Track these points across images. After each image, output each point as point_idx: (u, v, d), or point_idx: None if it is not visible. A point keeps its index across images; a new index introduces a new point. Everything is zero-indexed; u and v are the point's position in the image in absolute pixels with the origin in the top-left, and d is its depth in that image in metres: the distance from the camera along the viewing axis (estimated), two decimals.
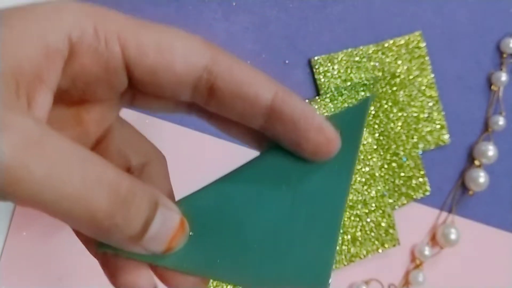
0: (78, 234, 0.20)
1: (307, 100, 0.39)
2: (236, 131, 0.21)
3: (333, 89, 0.39)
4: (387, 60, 0.41)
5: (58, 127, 0.19)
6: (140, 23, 0.19)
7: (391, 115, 0.41)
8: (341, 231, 0.39)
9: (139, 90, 0.19)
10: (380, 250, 0.39)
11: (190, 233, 0.19)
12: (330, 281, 0.19)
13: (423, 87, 0.42)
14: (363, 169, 0.39)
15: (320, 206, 0.20)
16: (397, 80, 0.41)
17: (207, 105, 0.20)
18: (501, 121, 0.42)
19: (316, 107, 0.39)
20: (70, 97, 0.19)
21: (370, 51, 0.40)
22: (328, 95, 0.39)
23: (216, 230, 0.20)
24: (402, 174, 0.40)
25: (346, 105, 0.39)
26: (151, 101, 0.21)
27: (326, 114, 0.39)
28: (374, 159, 0.40)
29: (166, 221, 0.18)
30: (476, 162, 0.42)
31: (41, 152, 0.15)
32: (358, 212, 0.39)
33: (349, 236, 0.39)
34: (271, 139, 0.20)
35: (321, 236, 0.20)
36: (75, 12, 0.18)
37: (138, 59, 0.18)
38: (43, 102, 0.17)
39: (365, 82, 0.40)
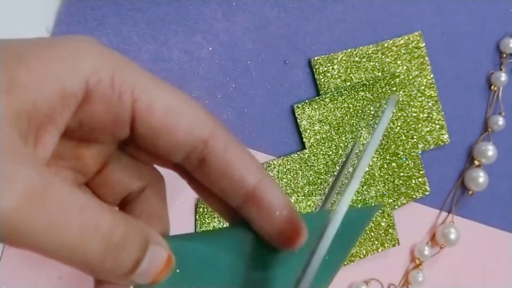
0: None
1: (307, 100, 0.39)
2: (213, 202, 0.22)
3: (333, 89, 0.39)
4: (387, 60, 0.41)
5: (59, 158, 0.20)
6: (154, 81, 0.19)
7: (391, 115, 0.41)
8: None
9: (136, 144, 0.20)
10: (380, 250, 0.39)
11: (177, 270, 0.20)
12: None
13: (423, 87, 0.42)
14: None
15: None
16: (397, 80, 0.41)
17: (193, 172, 0.21)
18: (500, 121, 0.42)
19: (316, 107, 0.39)
20: (73, 134, 0.19)
21: (370, 51, 0.40)
22: (328, 95, 0.39)
23: (198, 275, 0.21)
24: (402, 174, 0.40)
25: (346, 105, 0.39)
26: (141, 154, 0.22)
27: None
28: (374, 159, 0.40)
29: (155, 258, 0.19)
30: (476, 162, 0.42)
31: (43, 203, 0.15)
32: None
33: None
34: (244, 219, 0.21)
35: None
36: (95, 57, 0.18)
37: (145, 117, 0.19)
38: (50, 142, 0.18)
39: (365, 82, 0.40)
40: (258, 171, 0.20)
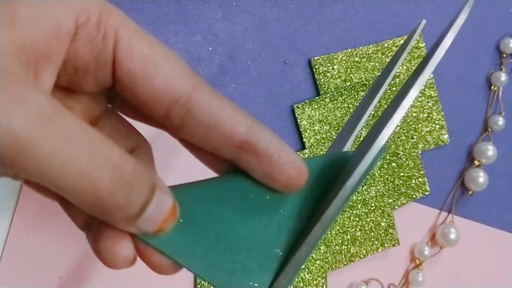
0: (66, 207, 0.21)
1: (307, 100, 0.39)
2: (207, 157, 0.22)
3: (333, 89, 0.39)
4: (387, 60, 0.41)
5: None
6: (139, 30, 0.19)
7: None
8: (341, 231, 0.39)
9: (117, 93, 0.20)
10: (380, 250, 0.39)
11: (180, 220, 0.20)
12: None
13: (423, 87, 0.42)
14: None
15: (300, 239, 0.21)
16: (397, 80, 0.41)
17: (177, 131, 0.20)
18: (500, 121, 0.43)
19: (316, 107, 0.39)
20: (60, 81, 0.20)
21: (370, 51, 0.40)
22: (328, 95, 0.39)
23: (202, 224, 0.21)
24: (402, 174, 0.40)
25: (346, 105, 0.39)
26: (127, 107, 0.22)
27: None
28: None
29: (161, 204, 0.19)
30: (476, 162, 0.42)
31: (52, 128, 0.15)
32: (358, 212, 0.39)
33: (349, 236, 0.39)
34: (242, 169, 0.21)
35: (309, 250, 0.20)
36: None
37: (124, 61, 0.19)
38: (48, 80, 0.18)
39: (365, 82, 0.40)
40: (247, 119, 0.20)
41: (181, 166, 0.35)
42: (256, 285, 0.20)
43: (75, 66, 0.19)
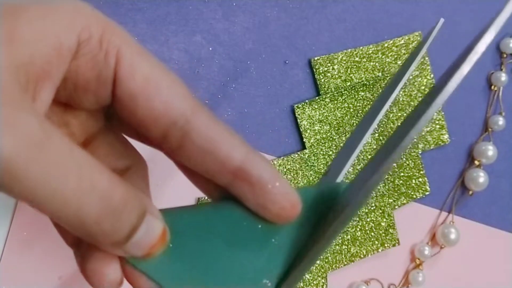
0: (55, 223, 0.21)
1: (307, 100, 0.39)
2: (201, 182, 0.22)
3: (333, 89, 0.39)
4: (387, 60, 0.41)
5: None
6: (141, 50, 0.19)
7: (391, 115, 0.41)
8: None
9: (117, 112, 0.20)
10: (380, 250, 0.39)
11: (170, 245, 0.20)
12: None
13: (423, 87, 0.42)
14: None
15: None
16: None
17: (173, 153, 0.20)
18: (501, 121, 0.42)
19: (316, 107, 0.39)
20: (59, 97, 0.19)
21: (370, 51, 0.40)
22: (328, 95, 0.39)
23: (192, 252, 0.20)
24: (402, 174, 0.40)
25: (346, 105, 0.39)
26: (125, 125, 0.22)
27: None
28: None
29: (150, 230, 0.19)
30: (476, 162, 0.42)
31: (41, 153, 0.15)
32: (358, 212, 0.39)
33: (349, 236, 0.39)
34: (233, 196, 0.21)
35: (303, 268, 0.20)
36: (88, 16, 0.18)
37: (126, 81, 0.19)
38: (46, 97, 0.18)
39: (365, 82, 0.40)
40: (243, 146, 0.20)
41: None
42: None
43: (75, 83, 0.19)
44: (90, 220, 0.16)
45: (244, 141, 0.20)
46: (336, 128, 0.39)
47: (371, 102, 0.40)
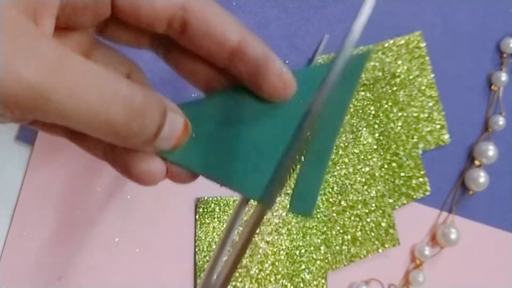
0: (79, 142, 0.22)
1: None
2: (190, 74, 0.23)
3: None
4: (387, 60, 0.41)
5: None
6: None
7: (391, 115, 0.41)
8: (341, 231, 0.39)
9: (118, 19, 0.21)
10: (380, 250, 0.39)
11: (193, 135, 0.22)
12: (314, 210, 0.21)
13: (423, 87, 0.42)
14: (363, 169, 0.39)
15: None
16: (397, 80, 0.41)
17: (179, 39, 0.22)
18: (501, 121, 0.42)
19: None
20: (58, 23, 0.20)
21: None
22: None
23: (212, 136, 0.22)
24: (402, 174, 0.40)
25: None
26: (122, 33, 0.23)
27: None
28: (374, 159, 0.40)
29: (174, 124, 0.20)
30: (476, 162, 0.42)
31: (62, 73, 0.16)
32: (358, 212, 0.39)
33: (349, 236, 0.39)
34: (231, 81, 0.23)
35: (312, 163, 0.22)
36: None
37: None
38: (48, 25, 0.19)
39: (365, 82, 0.40)
40: (239, 28, 0.21)
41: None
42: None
43: (74, 7, 0.20)
44: (120, 124, 0.18)
45: (241, 24, 0.22)
46: None
47: (371, 102, 0.40)
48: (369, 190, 0.39)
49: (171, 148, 0.21)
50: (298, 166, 0.24)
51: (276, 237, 0.37)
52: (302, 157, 0.23)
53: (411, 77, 0.41)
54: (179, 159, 0.22)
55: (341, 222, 0.39)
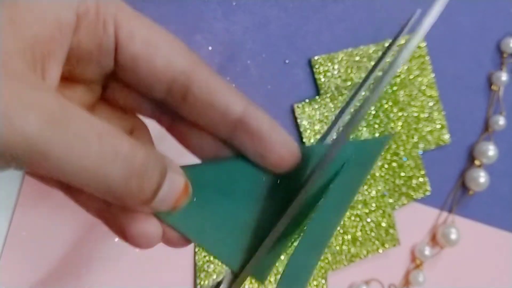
0: (74, 198, 0.22)
1: (307, 100, 0.39)
2: (194, 147, 0.23)
3: (333, 89, 0.39)
4: (387, 60, 0.41)
5: None
6: (136, 14, 0.20)
7: (392, 115, 0.41)
8: (341, 231, 0.39)
9: (119, 78, 0.21)
10: (380, 250, 0.39)
11: (194, 198, 0.21)
12: None
13: (424, 87, 0.42)
14: None
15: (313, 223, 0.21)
16: (397, 80, 0.41)
17: (178, 107, 0.21)
18: (501, 121, 0.42)
19: (316, 106, 0.39)
20: (62, 73, 0.20)
21: (370, 51, 0.40)
22: (328, 95, 0.39)
23: (213, 203, 0.22)
24: (403, 174, 0.40)
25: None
26: (123, 96, 0.23)
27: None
28: None
29: (173, 185, 0.20)
30: (477, 162, 0.42)
31: (63, 128, 0.16)
32: (358, 212, 0.39)
33: (349, 236, 0.39)
34: (234, 150, 0.22)
35: (308, 249, 0.21)
36: None
37: (126, 45, 0.20)
38: (54, 75, 0.18)
39: None
40: (242, 99, 0.21)
41: None
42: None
43: (78, 57, 0.20)
44: (117, 183, 0.17)
45: (243, 95, 0.21)
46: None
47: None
48: (369, 190, 0.39)
49: (170, 210, 0.20)
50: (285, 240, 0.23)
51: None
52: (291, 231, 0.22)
53: (411, 76, 0.41)
54: (175, 223, 0.21)
55: (341, 222, 0.39)
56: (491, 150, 0.42)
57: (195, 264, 0.36)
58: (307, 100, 0.39)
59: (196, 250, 0.36)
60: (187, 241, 0.22)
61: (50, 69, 0.18)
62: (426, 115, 0.41)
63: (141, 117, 0.24)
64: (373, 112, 0.40)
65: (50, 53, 0.18)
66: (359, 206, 0.39)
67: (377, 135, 0.40)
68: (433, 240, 0.42)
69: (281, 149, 0.21)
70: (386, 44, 0.41)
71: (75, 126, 0.16)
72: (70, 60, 0.20)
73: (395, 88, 0.41)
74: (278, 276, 0.21)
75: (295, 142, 0.21)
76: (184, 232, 0.21)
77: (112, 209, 0.20)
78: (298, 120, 0.38)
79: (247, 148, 0.21)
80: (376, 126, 0.40)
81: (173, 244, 0.22)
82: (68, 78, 0.21)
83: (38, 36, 0.17)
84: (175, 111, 0.22)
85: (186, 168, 0.21)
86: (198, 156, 0.23)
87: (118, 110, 0.23)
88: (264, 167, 0.22)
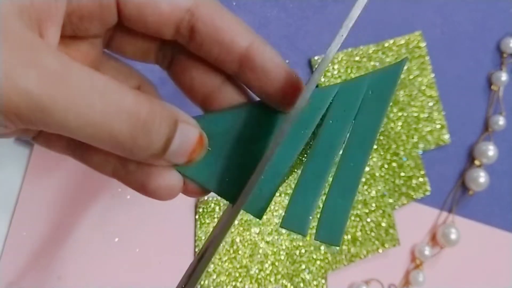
0: (85, 161, 0.22)
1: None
2: (190, 87, 0.23)
3: None
4: (387, 60, 0.41)
5: None
6: None
7: (392, 115, 0.41)
8: None
9: (126, 27, 0.21)
10: (380, 250, 0.39)
11: (209, 149, 0.21)
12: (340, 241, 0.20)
13: (423, 87, 0.42)
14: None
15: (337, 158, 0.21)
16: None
17: (188, 46, 0.21)
18: (501, 121, 0.42)
19: None
20: (65, 31, 0.20)
21: (370, 51, 0.40)
22: None
23: (229, 152, 0.21)
24: (402, 174, 0.40)
25: None
26: (127, 44, 0.23)
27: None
28: (374, 159, 0.40)
29: (186, 137, 0.19)
30: (476, 162, 0.42)
31: (64, 84, 0.16)
32: (358, 212, 0.39)
33: (349, 236, 0.39)
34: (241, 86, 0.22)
35: (340, 190, 0.20)
36: None
37: None
38: (53, 35, 0.18)
39: None
40: (248, 33, 0.21)
41: None
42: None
43: (80, 15, 0.20)
44: (124, 137, 0.17)
45: (250, 30, 0.21)
46: None
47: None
48: (369, 190, 0.39)
49: (186, 163, 0.20)
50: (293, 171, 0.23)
51: (276, 237, 0.37)
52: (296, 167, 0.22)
53: (411, 77, 0.41)
54: (194, 175, 0.21)
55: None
56: (491, 150, 0.42)
57: None
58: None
59: (196, 250, 0.36)
60: (206, 191, 0.22)
61: (48, 30, 0.18)
62: (426, 115, 0.41)
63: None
64: None
65: (46, 15, 0.18)
66: (359, 206, 0.39)
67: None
68: (433, 240, 0.42)
69: (285, 85, 0.21)
70: (386, 45, 0.41)
71: (76, 82, 0.16)
72: (72, 19, 0.20)
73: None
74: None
75: (300, 78, 0.21)
76: (204, 184, 0.21)
77: (129, 166, 0.20)
78: None
79: (251, 84, 0.21)
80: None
81: (195, 195, 0.22)
82: (71, 36, 0.21)
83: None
84: (179, 54, 0.22)
85: (200, 119, 0.21)
86: (191, 97, 0.23)
87: (124, 67, 0.23)
88: (269, 103, 0.21)
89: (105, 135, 0.17)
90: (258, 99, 0.22)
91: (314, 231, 0.20)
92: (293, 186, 0.22)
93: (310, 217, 0.20)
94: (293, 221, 0.20)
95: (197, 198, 0.36)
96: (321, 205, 0.20)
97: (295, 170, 0.24)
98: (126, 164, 0.20)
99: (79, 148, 0.21)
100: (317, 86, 0.20)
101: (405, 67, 0.41)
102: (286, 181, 0.30)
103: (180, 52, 0.22)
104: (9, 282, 0.33)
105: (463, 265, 0.42)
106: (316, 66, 0.20)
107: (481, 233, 0.42)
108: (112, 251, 0.35)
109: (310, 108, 0.21)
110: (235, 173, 0.21)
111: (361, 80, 0.21)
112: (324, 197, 0.21)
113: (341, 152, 0.21)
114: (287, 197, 0.38)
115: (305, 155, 0.22)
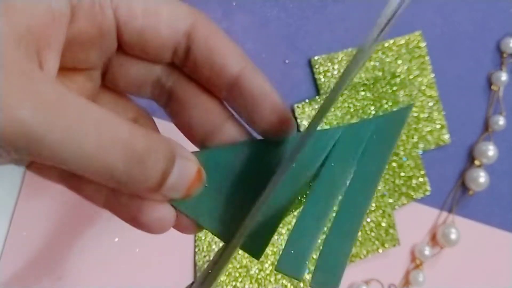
0: (78, 190, 0.21)
1: (307, 100, 0.39)
2: (187, 126, 0.22)
3: None
4: (387, 60, 0.41)
5: None
6: None
7: None
8: None
9: (122, 59, 0.21)
10: (380, 250, 0.39)
11: (206, 185, 0.20)
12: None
13: (423, 87, 0.42)
14: None
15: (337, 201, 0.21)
16: (397, 80, 0.41)
17: (183, 66, 0.21)
18: (501, 121, 0.42)
19: (316, 107, 0.39)
20: (65, 62, 0.20)
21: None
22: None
23: (227, 189, 0.21)
24: (402, 174, 0.40)
25: (346, 104, 0.39)
26: (123, 75, 0.22)
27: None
28: None
29: (184, 172, 0.19)
30: (476, 162, 0.42)
31: (59, 114, 0.15)
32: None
33: None
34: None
35: (340, 235, 0.20)
36: None
37: (128, 21, 0.20)
38: (52, 64, 0.18)
39: (365, 82, 0.40)
40: (241, 58, 0.21)
41: None
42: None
43: (80, 43, 0.20)
44: (119, 171, 0.17)
45: (243, 55, 0.21)
46: None
47: (371, 102, 0.40)
48: None
49: (182, 198, 0.20)
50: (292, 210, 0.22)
51: (276, 237, 0.37)
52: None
53: (411, 77, 0.41)
54: (189, 210, 0.21)
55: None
56: (491, 150, 0.42)
57: (195, 264, 0.36)
58: (307, 100, 0.39)
59: (196, 250, 0.36)
60: (199, 227, 0.21)
61: (47, 59, 0.18)
62: (426, 115, 0.41)
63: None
64: (373, 112, 0.40)
65: (44, 43, 0.17)
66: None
67: None
68: (433, 240, 0.42)
69: (271, 115, 0.21)
70: (386, 45, 0.41)
71: (71, 113, 0.16)
72: (72, 47, 0.19)
73: (395, 88, 0.41)
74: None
75: (288, 109, 0.21)
76: (199, 221, 0.21)
77: (121, 198, 0.20)
78: (298, 120, 0.38)
79: (239, 109, 0.21)
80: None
81: (185, 230, 0.21)
82: (69, 68, 0.21)
83: (31, 26, 0.17)
84: (175, 93, 0.22)
85: (199, 154, 0.21)
86: (189, 135, 0.23)
87: (121, 99, 0.23)
88: (257, 132, 0.21)
89: (100, 167, 0.16)
90: (259, 137, 0.22)
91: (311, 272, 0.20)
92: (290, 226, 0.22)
93: (307, 262, 0.19)
94: (289, 265, 0.19)
95: None
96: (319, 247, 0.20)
97: (294, 211, 0.23)
98: (119, 196, 0.20)
99: (71, 178, 0.21)
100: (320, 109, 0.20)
101: (405, 67, 0.41)
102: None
103: (178, 88, 0.22)
104: (9, 282, 0.33)
105: (463, 265, 0.42)
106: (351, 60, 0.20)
107: (481, 233, 0.42)
108: (112, 251, 0.35)
109: (312, 150, 0.21)
110: (231, 211, 0.21)
111: (365, 124, 0.21)
112: (322, 240, 0.20)
113: (342, 195, 0.20)
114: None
115: (305, 196, 0.22)
